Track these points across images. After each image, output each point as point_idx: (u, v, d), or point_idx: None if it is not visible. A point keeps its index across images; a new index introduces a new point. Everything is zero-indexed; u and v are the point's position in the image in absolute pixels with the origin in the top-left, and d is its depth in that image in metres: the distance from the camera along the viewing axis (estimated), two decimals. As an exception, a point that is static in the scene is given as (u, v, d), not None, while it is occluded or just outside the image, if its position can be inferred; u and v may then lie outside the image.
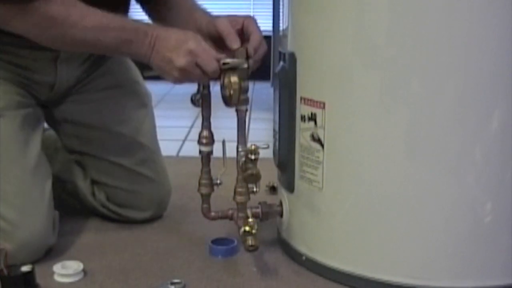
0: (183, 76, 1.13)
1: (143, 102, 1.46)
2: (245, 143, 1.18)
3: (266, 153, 1.19)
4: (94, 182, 1.43)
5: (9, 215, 1.16)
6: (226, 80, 1.14)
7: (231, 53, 1.15)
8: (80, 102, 1.39)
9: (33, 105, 1.32)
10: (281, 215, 1.28)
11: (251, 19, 1.22)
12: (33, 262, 1.16)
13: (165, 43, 1.13)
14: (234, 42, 1.17)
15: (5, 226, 1.15)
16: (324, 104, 1.12)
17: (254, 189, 1.22)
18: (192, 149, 1.90)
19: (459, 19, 1.02)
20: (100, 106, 1.40)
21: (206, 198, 1.27)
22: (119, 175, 1.41)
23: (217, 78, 1.15)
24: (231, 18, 1.21)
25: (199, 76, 1.14)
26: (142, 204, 1.42)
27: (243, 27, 1.21)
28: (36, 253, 1.20)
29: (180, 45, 1.12)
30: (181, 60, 1.11)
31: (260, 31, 1.21)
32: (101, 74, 1.41)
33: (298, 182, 1.21)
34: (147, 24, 1.24)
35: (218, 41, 1.20)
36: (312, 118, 1.15)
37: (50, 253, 1.24)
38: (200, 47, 1.12)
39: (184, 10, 1.34)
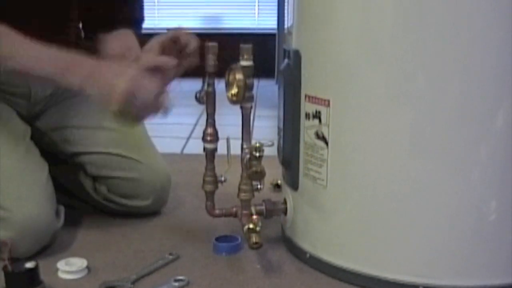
0: (124, 101, 1.13)
1: None
2: (249, 140, 1.18)
3: (270, 151, 1.19)
4: (94, 179, 1.45)
5: (3, 203, 1.17)
6: (231, 77, 1.14)
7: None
8: (63, 109, 1.44)
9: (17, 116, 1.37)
10: (285, 213, 1.28)
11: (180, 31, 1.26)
12: (40, 252, 1.19)
13: (106, 70, 1.15)
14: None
15: (2, 214, 1.16)
16: (328, 101, 1.12)
17: (258, 187, 1.22)
18: (196, 147, 1.90)
19: (464, 16, 1.02)
20: (82, 107, 1.45)
21: (210, 195, 1.27)
22: (117, 165, 1.42)
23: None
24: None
25: (140, 106, 1.16)
26: (143, 191, 1.42)
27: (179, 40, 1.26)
28: (40, 239, 1.20)
29: (122, 72, 1.15)
30: (122, 86, 1.13)
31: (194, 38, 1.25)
32: None
33: (302, 180, 1.21)
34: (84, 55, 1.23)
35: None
36: (317, 115, 1.14)
37: (55, 248, 1.25)
38: (141, 75, 1.15)
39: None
